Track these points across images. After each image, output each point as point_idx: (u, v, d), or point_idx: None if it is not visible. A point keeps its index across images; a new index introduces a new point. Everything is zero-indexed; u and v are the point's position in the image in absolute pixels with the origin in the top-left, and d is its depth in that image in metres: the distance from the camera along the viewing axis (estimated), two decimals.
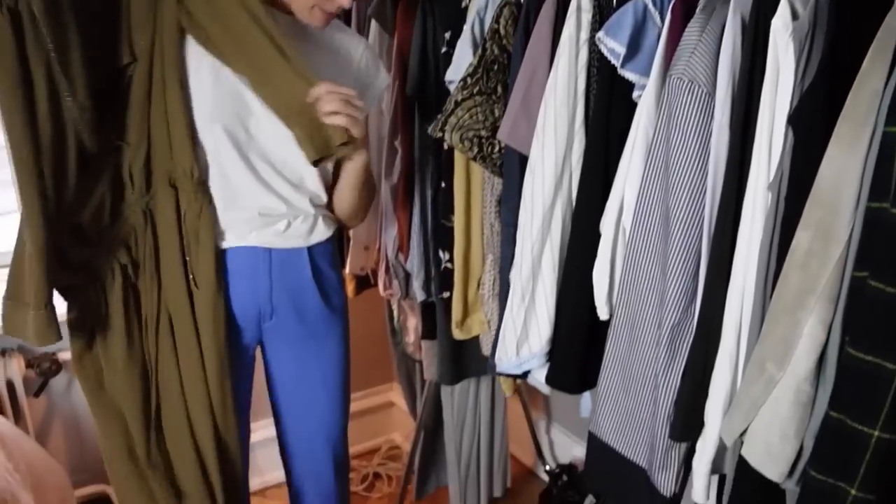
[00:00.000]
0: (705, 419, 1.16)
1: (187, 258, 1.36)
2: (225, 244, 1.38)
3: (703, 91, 1.08)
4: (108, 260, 1.33)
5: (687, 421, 1.17)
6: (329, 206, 1.48)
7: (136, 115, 1.29)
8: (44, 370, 2.11)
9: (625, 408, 1.28)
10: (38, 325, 1.27)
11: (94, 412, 1.40)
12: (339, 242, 1.92)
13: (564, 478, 2.36)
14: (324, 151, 1.27)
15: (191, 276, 1.35)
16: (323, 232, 1.46)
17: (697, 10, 1.10)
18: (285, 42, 1.26)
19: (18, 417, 2.13)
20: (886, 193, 0.89)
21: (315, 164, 1.28)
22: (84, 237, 1.31)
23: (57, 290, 1.29)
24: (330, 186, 1.47)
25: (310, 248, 1.44)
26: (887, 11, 0.90)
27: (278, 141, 1.33)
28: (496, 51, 1.49)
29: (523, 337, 1.43)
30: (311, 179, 1.41)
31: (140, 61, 1.28)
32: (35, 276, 1.24)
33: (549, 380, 1.42)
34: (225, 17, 1.27)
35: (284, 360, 1.53)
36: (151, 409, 1.40)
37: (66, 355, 2.23)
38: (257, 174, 1.36)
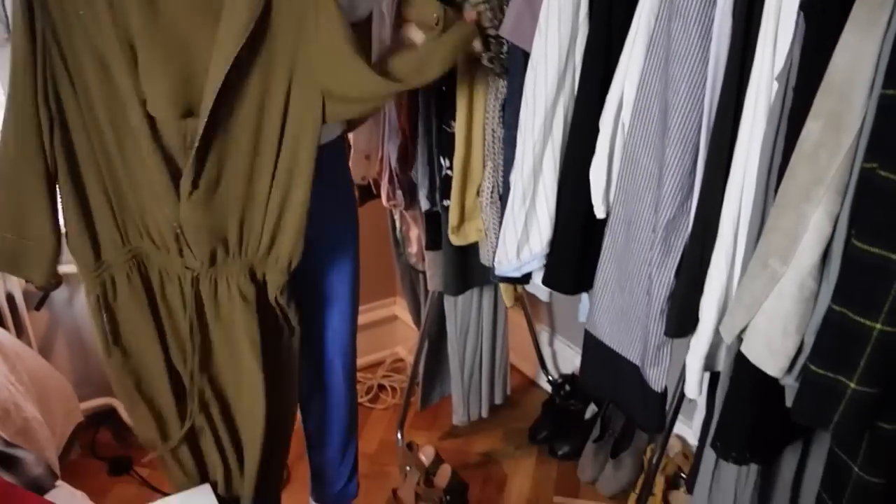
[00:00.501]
0: (700, 315, 1.16)
1: (290, 325, 1.40)
2: None
3: None
4: (128, 261, 1.32)
5: (681, 317, 1.17)
6: None
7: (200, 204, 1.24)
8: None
9: (620, 305, 1.28)
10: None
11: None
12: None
13: (567, 387, 2.40)
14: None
15: (289, 331, 1.40)
16: (332, 129, 1.43)
17: None
18: None
19: (20, 331, 2.15)
20: None
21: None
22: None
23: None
24: None
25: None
26: None
27: None
28: None
29: (524, 238, 1.41)
30: None
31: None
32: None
33: (546, 280, 1.41)
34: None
35: (299, 267, 1.53)
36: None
37: (66, 268, 2.24)
38: None
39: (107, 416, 2.38)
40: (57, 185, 1.24)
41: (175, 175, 1.21)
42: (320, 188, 1.39)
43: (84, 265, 1.30)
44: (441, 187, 1.72)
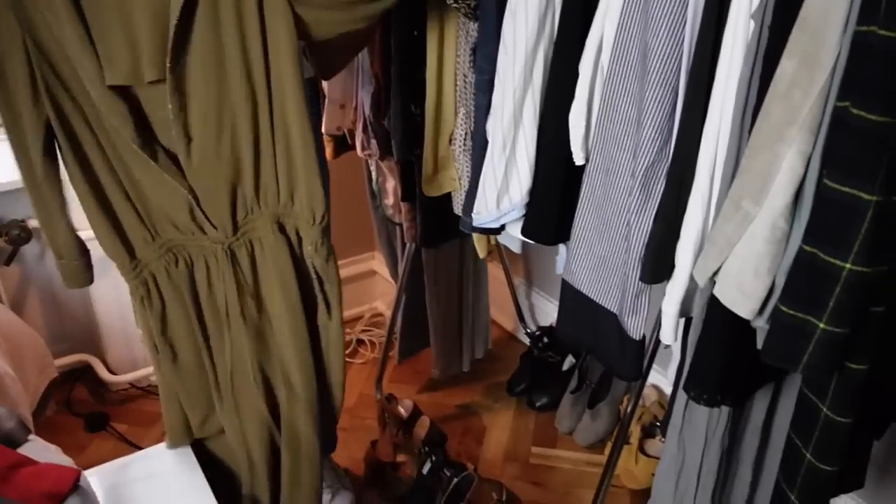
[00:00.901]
0: (676, 261, 1.15)
1: (328, 303, 1.38)
2: None
3: None
4: (163, 258, 1.29)
5: (657, 263, 1.17)
6: None
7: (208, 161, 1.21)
8: (13, 238, 2.08)
9: (598, 254, 1.28)
10: (68, 272, 1.32)
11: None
12: (315, 97, 1.86)
13: (545, 339, 2.41)
14: None
15: (326, 312, 1.39)
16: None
17: None
18: None
19: None
20: (876, 14, 0.84)
21: None
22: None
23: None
24: None
25: None
26: None
27: None
28: None
29: (504, 188, 1.39)
30: None
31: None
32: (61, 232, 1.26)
33: (525, 230, 1.40)
34: None
35: None
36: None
37: (35, 222, 2.21)
38: None
39: (82, 373, 2.36)
40: (78, 196, 1.22)
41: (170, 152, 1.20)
42: None
43: (122, 267, 1.28)
44: (414, 136, 1.69)
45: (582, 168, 1.29)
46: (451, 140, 1.61)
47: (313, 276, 1.35)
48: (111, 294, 2.19)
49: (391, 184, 2.00)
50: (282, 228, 1.31)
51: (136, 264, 1.29)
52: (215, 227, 1.27)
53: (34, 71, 1.11)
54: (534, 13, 1.25)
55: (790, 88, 0.94)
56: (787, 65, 0.94)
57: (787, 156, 0.95)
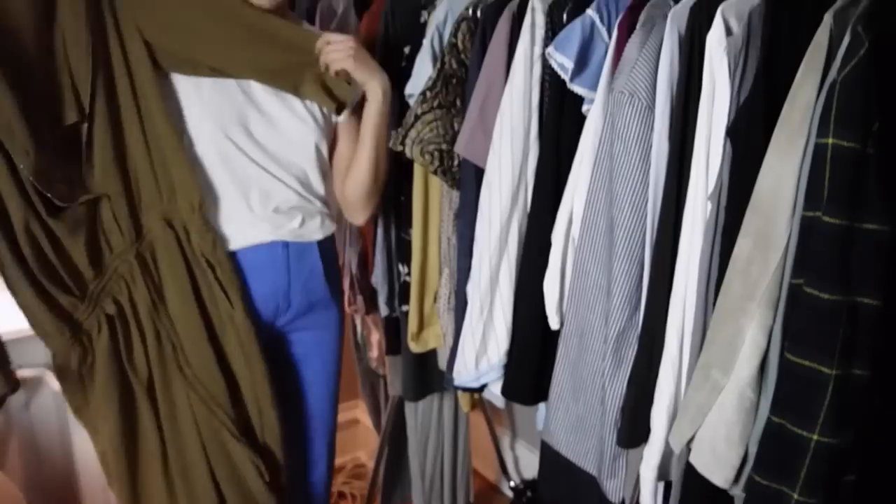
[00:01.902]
0: (651, 426, 1.18)
1: (225, 291, 1.36)
2: (244, 242, 1.39)
3: (643, 104, 1.10)
4: (93, 313, 1.30)
5: (633, 428, 1.19)
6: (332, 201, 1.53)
7: (109, 165, 1.27)
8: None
9: (575, 415, 1.30)
10: None
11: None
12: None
13: (528, 493, 2.37)
14: (343, 97, 1.36)
15: (226, 300, 1.36)
16: (329, 227, 1.51)
17: (637, 26, 1.13)
18: (262, 16, 1.31)
19: None
20: (819, 202, 0.92)
21: (338, 112, 1.39)
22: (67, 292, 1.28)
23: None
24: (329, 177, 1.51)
25: (318, 243, 1.48)
26: (816, 28, 0.94)
27: (280, 141, 1.39)
28: (454, 64, 1.51)
29: (482, 349, 1.43)
30: (315, 176, 1.45)
31: (97, 111, 1.25)
32: None
33: (504, 391, 1.43)
34: (194, 26, 1.29)
35: (288, 351, 1.55)
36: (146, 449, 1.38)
37: (24, 372, 2.21)
38: (270, 173, 1.39)
39: None
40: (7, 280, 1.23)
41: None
42: (321, 277, 1.47)
43: (59, 341, 1.27)
44: (400, 293, 1.75)
45: (558, 331, 1.33)
46: (435, 298, 1.66)
47: (204, 265, 1.35)
48: (92, 450, 2.16)
49: (376, 337, 2.04)
50: (170, 223, 1.33)
51: (74, 333, 1.28)
52: (122, 235, 1.29)
53: None
54: (507, 186, 1.34)
55: (748, 266, 1.00)
56: (743, 244, 1.01)
57: (750, 329, 1.00)
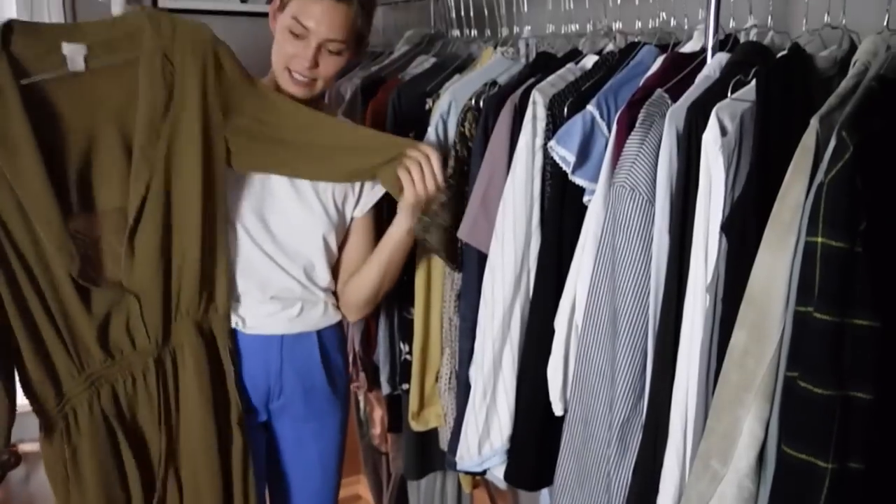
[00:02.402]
0: None
1: (228, 388, 1.37)
2: (240, 330, 1.42)
3: (643, 198, 1.15)
4: (87, 391, 1.29)
5: None
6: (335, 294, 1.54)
7: (153, 265, 1.27)
8: (3, 463, 2.09)
9: (580, 503, 1.30)
10: None
11: None
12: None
13: None
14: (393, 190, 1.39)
15: (238, 404, 1.38)
16: (332, 317, 1.53)
17: (637, 123, 1.18)
18: (347, 128, 1.37)
19: None
20: (811, 297, 0.95)
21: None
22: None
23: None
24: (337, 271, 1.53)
25: (319, 332, 1.50)
26: (804, 130, 0.99)
27: (291, 231, 1.42)
28: (465, 153, 1.56)
29: (485, 434, 1.45)
30: (322, 267, 1.48)
31: (151, 206, 1.25)
32: None
33: (507, 476, 1.43)
34: (283, 137, 1.33)
35: (284, 436, 1.56)
36: None
37: (26, 447, 2.21)
38: (274, 261, 1.42)
39: None
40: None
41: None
42: (318, 366, 1.48)
43: (47, 406, 1.27)
44: (401, 371, 1.77)
45: (562, 417, 1.35)
46: (437, 378, 1.68)
47: (230, 369, 1.37)
48: None
49: (378, 413, 2.04)
50: (201, 330, 1.34)
51: (61, 400, 1.28)
52: (148, 337, 1.29)
53: None
54: (510, 272, 1.37)
55: (743, 357, 1.03)
56: (739, 335, 1.03)
57: (747, 420, 1.02)
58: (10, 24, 1.14)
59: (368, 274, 1.49)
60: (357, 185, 1.50)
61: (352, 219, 1.52)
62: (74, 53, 1.14)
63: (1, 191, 1.16)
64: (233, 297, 1.38)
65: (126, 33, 1.22)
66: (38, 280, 1.22)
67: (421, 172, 1.36)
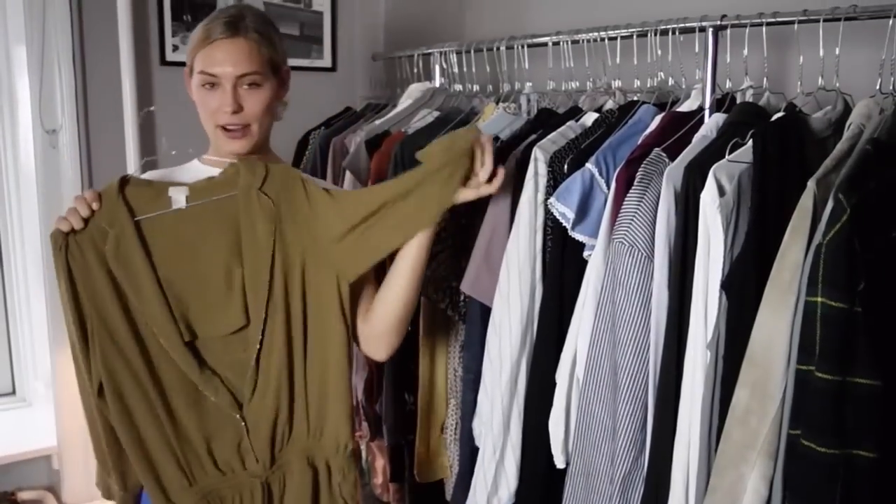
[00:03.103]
0: None
1: None
2: None
3: (642, 254, 1.17)
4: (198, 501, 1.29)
5: None
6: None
7: (269, 392, 1.27)
8: None
9: None
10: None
11: None
12: None
13: None
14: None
15: None
16: None
17: (636, 181, 1.21)
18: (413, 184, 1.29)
19: None
20: (812, 357, 0.96)
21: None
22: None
23: None
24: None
25: None
26: (801, 190, 1.01)
27: None
28: (465, 206, 1.58)
29: (493, 490, 1.45)
30: None
31: (270, 332, 1.26)
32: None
33: None
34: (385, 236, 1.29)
35: None
36: None
37: (26, 495, 2.19)
38: None
39: None
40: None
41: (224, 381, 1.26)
42: None
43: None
44: (407, 422, 1.77)
45: (564, 469, 1.35)
46: (442, 429, 1.68)
47: (342, 503, 1.34)
48: None
49: (380, 463, 2.03)
50: (311, 460, 1.31)
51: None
52: (257, 460, 1.28)
53: (86, 324, 1.21)
54: (517, 329, 1.38)
55: (746, 415, 1.03)
56: (741, 394, 1.04)
57: (751, 478, 1.02)
58: (126, 178, 1.26)
59: (393, 291, 1.35)
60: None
61: None
62: (178, 194, 1.25)
63: (115, 311, 1.22)
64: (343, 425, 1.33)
65: (223, 181, 1.28)
66: (150, 395, 1.25)
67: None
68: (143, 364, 1.23)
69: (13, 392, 2.36)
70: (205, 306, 1.25)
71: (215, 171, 1.32)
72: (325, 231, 1.27)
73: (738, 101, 1.34)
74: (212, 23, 1.28)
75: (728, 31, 1.34)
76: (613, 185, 1.27)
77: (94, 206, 1.21)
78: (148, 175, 1.37)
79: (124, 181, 1.25)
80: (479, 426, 1.46)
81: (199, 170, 1.37)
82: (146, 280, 1.22)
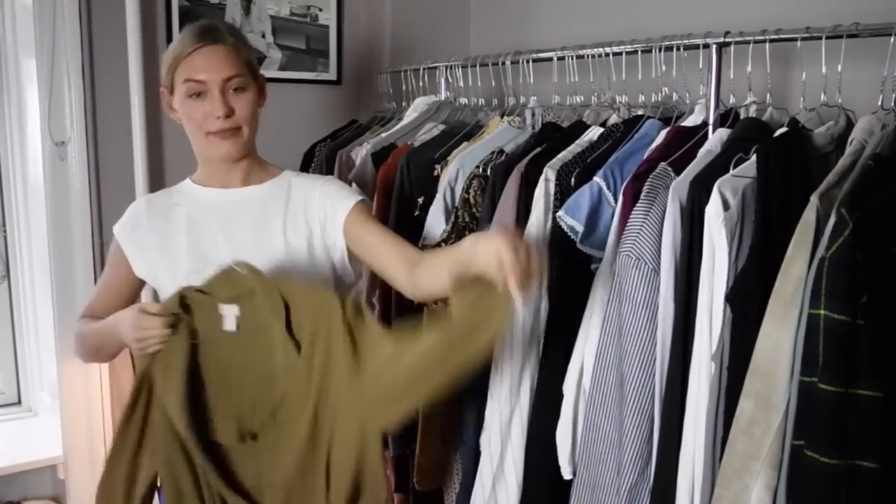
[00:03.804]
0: None
1: None
2: None
3: (649, 267, 1.18)
4: None
5: None
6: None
7: (305, 462, 1.24)
8: None
9: None
10: None
11: None
12: None
13: None
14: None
15: None
16: None
17: (642, 195, 1.23)
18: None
19: None
20: (815, 368, 0.98)
21: None
22: None
23: None
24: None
25: None
26: (804, 205, 1.03)
27: None
28: (467, 218, 1.61)
29: (492, 501, 1.45)
30: None
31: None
32: None
33: None
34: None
35: None
36: None
37: None
38: None
39: None
40: None
41: None
42: None
43: None
44: (410, 433, 1.77)
45: (568, 482, 1.36)
46: (443, 437, 1.69)
47: None
48: None
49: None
50: None
51: None
52: None
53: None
54: (518, 340, 1.40)
55: (750, 426, 1.05)
56: (745, 404, 1.06)
57: (756, 488, 1.04)
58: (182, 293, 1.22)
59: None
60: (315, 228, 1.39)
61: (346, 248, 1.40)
62: (229, 313, 1.22)
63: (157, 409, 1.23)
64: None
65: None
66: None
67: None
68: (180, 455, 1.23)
69: (19, 402, 2.37)
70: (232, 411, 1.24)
71: (209, 191, 1.34)
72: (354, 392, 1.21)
73: (742, 116, 1.36)
74: (187, 37, 1.31)
75: (732, 47, 1.36)
76: (621, 198, 1.29)
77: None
78: (144, 200, 1.39)
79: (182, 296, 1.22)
80: (483, 439, 1.47)
81: (193, 190, 1.38)
82: (174, 383, 1.20)
